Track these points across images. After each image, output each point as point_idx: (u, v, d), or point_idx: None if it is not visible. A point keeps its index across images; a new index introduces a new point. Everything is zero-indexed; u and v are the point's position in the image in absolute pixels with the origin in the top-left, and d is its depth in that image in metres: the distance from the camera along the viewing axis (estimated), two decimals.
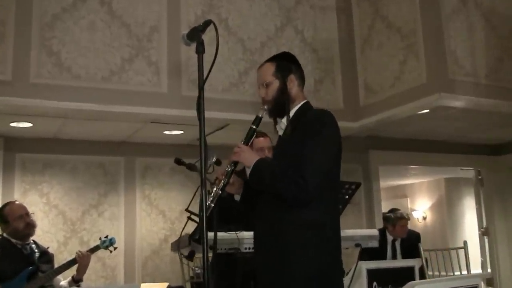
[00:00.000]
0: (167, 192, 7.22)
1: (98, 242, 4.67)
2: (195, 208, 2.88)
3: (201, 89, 2.36)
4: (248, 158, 2.67)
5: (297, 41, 6.34)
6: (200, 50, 2.42)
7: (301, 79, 2.81)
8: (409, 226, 6.26)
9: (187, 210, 2.87)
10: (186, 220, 2.81)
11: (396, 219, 6.18)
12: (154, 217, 7.10)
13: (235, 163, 2.73)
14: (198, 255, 3.62)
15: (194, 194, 3.17)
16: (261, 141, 4.09)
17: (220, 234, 3.49)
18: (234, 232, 3.53)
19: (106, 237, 4.68)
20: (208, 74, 2.40)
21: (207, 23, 2.52)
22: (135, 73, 5.46)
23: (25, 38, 5.09)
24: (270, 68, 2.77)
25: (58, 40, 5.22)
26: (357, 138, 7.48)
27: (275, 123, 2.81)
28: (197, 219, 2.69)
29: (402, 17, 5.95)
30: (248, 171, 2.69)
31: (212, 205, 2.62)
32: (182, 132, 6.55)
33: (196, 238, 2.61)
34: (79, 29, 5.31)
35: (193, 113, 5.97)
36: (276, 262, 2.59)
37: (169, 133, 6.62)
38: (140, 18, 5.58)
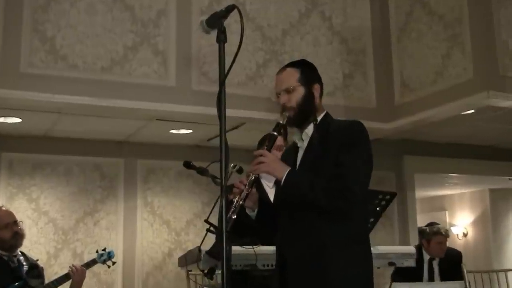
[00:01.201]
0: (172, 200, 7.22)
1: (94, 256, 4.67)
2: (213, 220, 2.88)
3: (222, 83, 2.38)
4: (279, 169, 2.74)
5: (323, 29, 6.32)
6: (222, 39, 2.43)
7: (322, 90, 2.96)
8: (448, 244, 6.19)
9: (206, 221, 2.90)
10: (205, 233, 2.82)
11: (431, 234, 6.09)
12: (157, 228, 7.11)
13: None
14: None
15: (215, 204, 3.19)
16: (279, 139, 4.11)
17: (234, 249, 3.48)
18: (251, 247, 3.51)
19: (104, 250, 4.68)
20: (230, 67, 2.40)
21: (230, 8, 2.55)
22: (139, 64, 5.47)
23: (15, 22, 5.10)
24: (294, 74, 2.90)
25: (53, 25, 5.23)
26: (390, 142, 7.43)
27: (285, 134, 2.95)
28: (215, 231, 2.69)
29: (446, 3, 5.90)
30: (264, 182, 2.77)
31: (234, 217, 2.65)
32: (191, 131, 6.55)
33: (216, 253, 2.63)
34: (77, 12, 5.32)
35: (204, 110, 5.93)
36: (315, 281, 2.64)
37: (177, 132, 6.62)
38: (145, 1, 5.59)
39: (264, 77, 5.91)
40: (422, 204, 13.64)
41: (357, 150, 2.71)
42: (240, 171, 3.16)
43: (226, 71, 2.44)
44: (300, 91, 2.86)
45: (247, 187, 2.75)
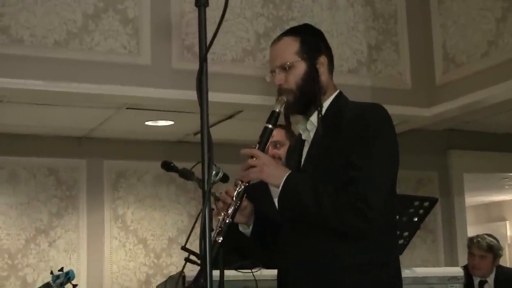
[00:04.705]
0: (149, 211, 7.23)
1: (48, 279, 4.68)
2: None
3: (203, 60, 2.33)
4: (275, 174, 2.71)
5: None
6: (203, 1, 2.40)
7: (331, 63, 2.91)
8: (508, 263, 6.23)
9: (184, 248, 2.86)
10: (184, 263, 2.80)
11: (469, 245, 6.21)
12: (131, 248, 7.12)
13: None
14: None
15: (195, 223, 3.17)
16: (273, 135, 4.11)
17: (228, 274, 3.50)
18: (250, 270, 3.54)
19: (61, 270, 4.69)
20: (213, 39, 2.36)
21: None
22: (104, 36, 5.47)
23: None
24: (292, 45, 2.85)
25: None
26: (431, 133, 7.43)
27: (288, 123, 2.89)
28: (198, 260, 2.67)
29: None
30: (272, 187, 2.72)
31: (220, 240, 2.64)
32: (172, 123, 6.57)
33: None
34: None
35: (189, 94, 5.94)
36: None
37: (154, 124, 6.66)
38: None
39: (265, 51, 5.90)
40: (475, 213, 13.67)
41: (377, 146, 2.65)
42: (224, 179, 3.11)
43: (209, 44, 2.39)
44: (300, 67, 2.81)
45: (234, 199, 2.72)
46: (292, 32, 2.90)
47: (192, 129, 6.71)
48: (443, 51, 6.39)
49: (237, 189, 2.72)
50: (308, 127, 2.84)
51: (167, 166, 3.99)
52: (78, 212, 7.02)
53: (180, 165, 3.97)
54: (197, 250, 2.70)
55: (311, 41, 2.86)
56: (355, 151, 2.64)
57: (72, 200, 7.02)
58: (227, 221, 2.68)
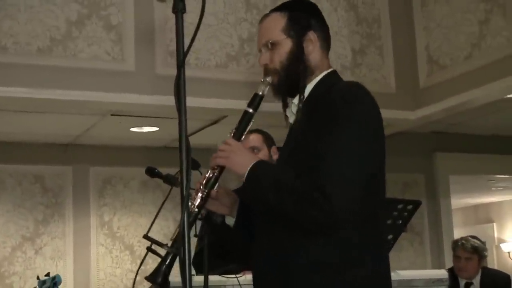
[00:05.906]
0: (136, 218, 7.24)
1: (34, 284, 4.68)
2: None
3: (181, 66, 2.35)
4: (241, 161, 2.55)
5: None
6: (180, 8, 2.39)
7: (325, 40, 2.71)
8: (496, 265, 6.26)
9: (146, 237, 2.81)
10: (145, 252, 2.74)
11: (453, 247, 6.25)
12: (118, 255, 7.12)
13: (221, 168, 2.63)
14: None
15: (157, 214, 3.16)
16: (250, 140, 4.15)
17: (212, 279, 3.52)
18: (234, 276, 3.56)
19: (48, 275, 4.69)
20: (191, 44, 2.38)
21: None
22: (87, 42, 5.47)
23: None
24: (279, 21, 2.66)
25: None
26: (417, 136, 7.46)
27: (284, 105, 2.71)
28: (161, 250, 2.62)
29: None
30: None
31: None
32: (157, 129, 6.59)
33: (158, 281, 2.54)
34: None
35: (173, 100, 5.97)
36: None
37: (139, 131, 6.68)
38: None
39: (249, 56, 5.93)
40: (463, 215, 13.71)
41: (342, 129, 2.42)
42: (194, 166, 3.00)
43: (186, 50, 2.39)
44: (286, 45, 2.63)
45: (202, 187, 2.60)
46: (281, 7, 2.71)
47: (177, 134, 6.69)
48: (427, 54, 6.42)
49: (207, 176, 2.62)
50: (294, 110, 2.66)
51: (151, 172, 4.02)
52: (64, 219, 7.02)
53: (166, 170, 4.00)
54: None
55: (300, 17, 2.66)
56: (321, 136, 2.43)
57: (58, 207, 7.02)
58: (195, 210, 2.57)
